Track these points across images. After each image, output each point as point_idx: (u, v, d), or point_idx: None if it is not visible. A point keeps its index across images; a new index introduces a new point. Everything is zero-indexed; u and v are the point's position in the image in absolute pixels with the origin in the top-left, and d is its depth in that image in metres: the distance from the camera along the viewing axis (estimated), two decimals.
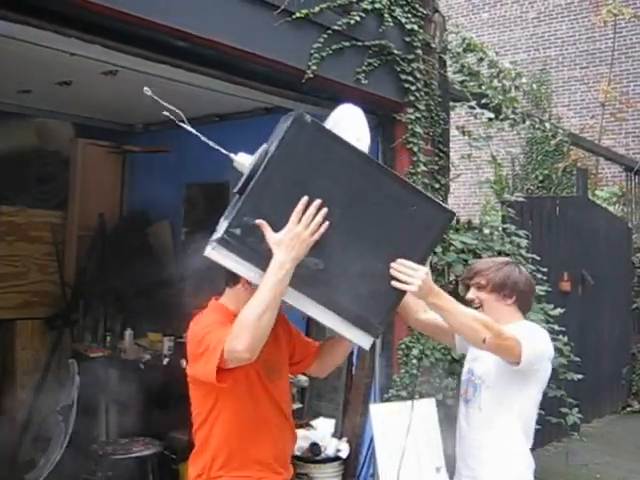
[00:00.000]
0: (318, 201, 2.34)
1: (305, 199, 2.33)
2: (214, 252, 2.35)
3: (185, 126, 2.53)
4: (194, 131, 2.51)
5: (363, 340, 2.47)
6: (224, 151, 2.48)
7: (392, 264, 2.41)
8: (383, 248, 2.43)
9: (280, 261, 2.29)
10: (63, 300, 6.62)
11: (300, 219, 2.33)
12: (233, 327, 2.34)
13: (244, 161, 2.44)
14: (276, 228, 2.32)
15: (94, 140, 6.82)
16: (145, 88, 2.68)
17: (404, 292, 2.47)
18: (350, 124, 2.57)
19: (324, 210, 2.34)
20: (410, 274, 2.42)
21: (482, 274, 3.05)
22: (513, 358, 2.83)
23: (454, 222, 6.08)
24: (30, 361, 6.49)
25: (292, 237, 2.31)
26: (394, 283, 2.42)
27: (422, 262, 2.49)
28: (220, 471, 2.60)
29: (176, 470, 5.58)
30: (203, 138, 2.52)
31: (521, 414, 2.99)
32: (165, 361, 5.69)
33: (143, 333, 6.16)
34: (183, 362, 5.35)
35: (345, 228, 2.39)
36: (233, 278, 2.57)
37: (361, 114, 2.67)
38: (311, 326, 5.40)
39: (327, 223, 2.35)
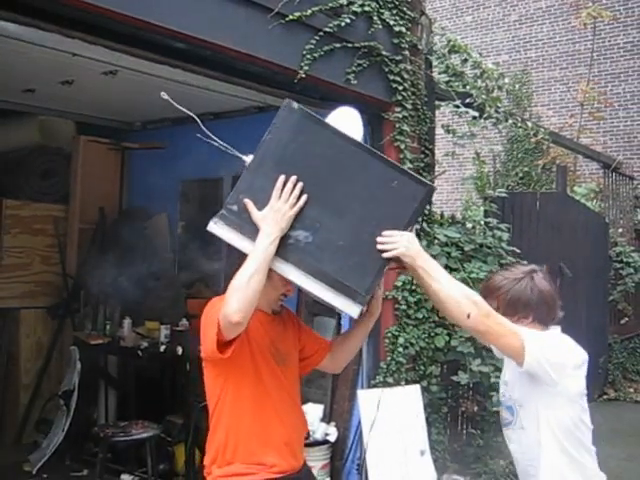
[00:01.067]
0: (294, 177, 2.46)
1: (282, 177, 2.46)
2: (215, 226, 2.50)
3: (201, 127, 2.63)
4: (207, 132, 2.63)
5: (351, 308, 2.50)
6: (236, 152, 2.61)
7: (378, 238, 2.47)
8: (367, 222, 2.51)
9: (267, 232, 2.42)
10: (65, 290, 6.72)
11: (280, 195, 2.47)
12: (225, 295, 2.42)
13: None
14: (266, 205, 2.46)
15: (95, 137, 6.92)
16: (162, 93, 2.81)
17: (388, 261, 2.53)
18: (342, 124, 2.66)
19: (300, 184, 2.46)
20: (395, 240, 2.46)
21: (494, 296, 2.87)
22: (516, 356, 2.68)
23: (438, 217, 6.25)
24: (33, 348, 6.61)
25: (274, 212, 2.43)
26: (383, 253, 2.47)
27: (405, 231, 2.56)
28: (232, 457, 2.64)
29: (172, 452, 5.71)
30: (216, 140, 2.64)
31: (559, 429, 2.78)
32: (162, 348, 5.72)
33: (141, 322, 6.22)
34: (179, 349, 5.54)
35: (332, 204, 2.52)
36: (239, 263, 2.55)
37: (354, 114, 2.79)
38: (300, 310, 5.57)
39: (305, 197, 2.47)
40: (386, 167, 2.56)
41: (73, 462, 6.01)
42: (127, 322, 6.12)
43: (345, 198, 2.53)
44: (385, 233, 2.48)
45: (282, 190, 2.47)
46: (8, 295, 6.49)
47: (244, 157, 2.58)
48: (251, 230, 2.48)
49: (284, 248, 2.48)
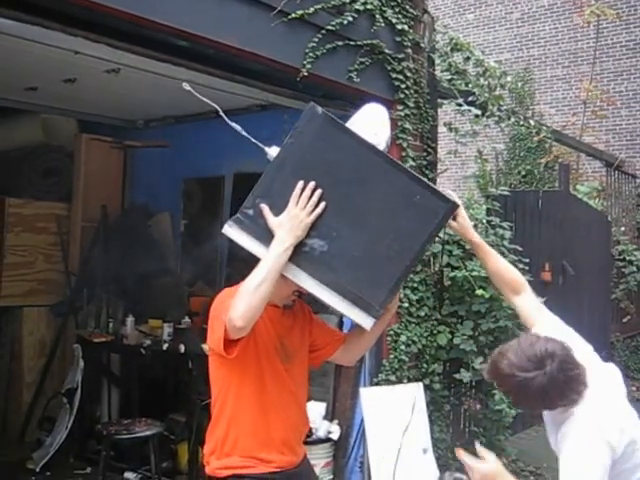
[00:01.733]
0: (312, 183, 2.43)
1: (301, 183, 2.43)
2: (230, 230, 2.49)
3: (225, 119, 2.65)
4: (233, 124, 2.64)
5: (364, 320, 2.49)
6: (259, 144, 2.61)
7: None
8: (385, 234, 2.47)
9: (281, 239, 2.40)
10: (68, 288, 6.73)
11: (297, 202, 2.44)
12: (234, 297, 2.43)
13: (274, 153, 2.57)
14: (283, 210, 2.43)
15: (97, 135, 6.91)
16: (184, 84, 2.84)
17: (404, 277, 2.57)
18: (370, 119, 2.65)
19: (318, 192, 2.43)
20: None
21: (501, 386, 2.62)
22: None
23: None
24: (36, 346, 6.61)
25: (290, 218, 2.42)
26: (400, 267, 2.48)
27: (423, 249, 2.57)
28: (231, 450, 2.66)
29: (175, 450, 5.74)
30: (240, 130, 2.64)
31: None
32: (165, 346, 5.71)
33: (144, 320, 6.19)
34: (182, 347, 5.54)
35: (350, 214, 2.47)
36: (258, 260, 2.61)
37: (383, 111, 2.74)
38: None
39: (323, 204, 2.43)
40: (409, 180, 2.52)
41: (76, 460, 6.02)
42: (130, 320, 6.09)
43: (364, 209, 2.50)
44: None
45: (300, 197, 2.44)
46: (11, 293, 6.50)
47: (267, 149, 2.57)
48: (266, 236, 2.46)
49: (299, 256, 2.46)
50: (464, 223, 2.75)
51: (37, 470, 5.77)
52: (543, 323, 2.77)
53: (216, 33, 4.08)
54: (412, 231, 2.50)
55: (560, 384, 2.42)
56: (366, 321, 2.50)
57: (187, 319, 6.09)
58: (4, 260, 6.45)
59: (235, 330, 2.41)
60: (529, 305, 2.89)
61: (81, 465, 5.94)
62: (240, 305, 2.37)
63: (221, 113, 2.70)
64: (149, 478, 5.32)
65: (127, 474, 5.66)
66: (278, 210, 2.45)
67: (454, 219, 2.71)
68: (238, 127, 2.66)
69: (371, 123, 2.62)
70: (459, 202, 2.65)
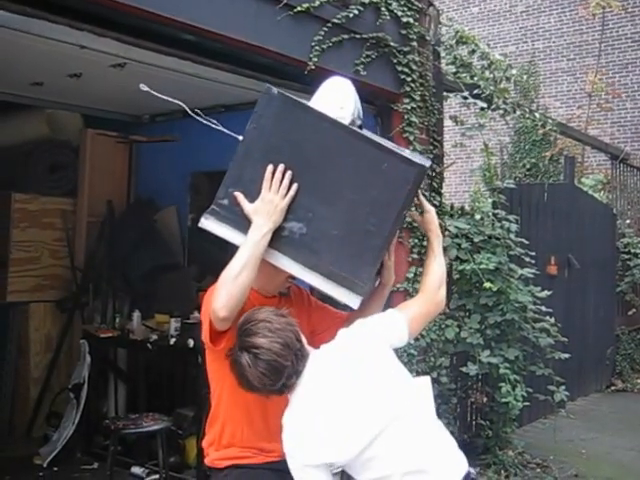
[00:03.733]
0: (281, 166, 2.40)
1: (271, 167, 2.40)
2: (207, 222, 2.49)
3: (186, 108, 2.69)
4: (207, 120, 2.63)
5: (350, 299, 2.46)
6: (231, 134, 2.57)
7: None
8: (360, 208, 2.43)
9: (259, 225, 2.38)
10: (74, 283, 6.70)
11: (270, 186, 2.41)
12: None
13: None
14: (257, 197, 2.41)
15: (103, 130, 6.89)
16: (141, 85, 2.85)
17: (384, 249, 2.53)
18: (334, 94, 2.57)
19: (289, 173, 2.40)
20: None
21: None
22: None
23: (448, 208, 6.26)
24: (43, 342, 6.61)
25: (265, 204, 2.39)
26: (379, 239, 2.46)
27: (399, 218, 2.51)
28: (229, 441, 2.63)
29: (183, 445, 5.73)
30: (216, 125, 2.63)
31: None
32: (171, 341, 5.69)
33: (150, 314, 6.19)
34: (191, 342, 5.53)
35: (322, 192, 2.45)
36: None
37: (347, 83, 2.65)
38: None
39: (295, 185, 2.41)
40: (373, 149, 2.46)
41: (84, 455, 6.02)
42: (136, 315, 6.08)
43: (335, 185, 2.46)
44: None
45: (272, 181, 2.42)
46: (17, 289, 6.49)
47: (240, 137, 2.52)
48: (245, 224, 2.42)
49: (279, 241, 2.44)
50: (428, 217, 2.71)
51: (44, 465, 5.77)
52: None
53: (222, 27, 4.08)
54: (386, 201, 2.44)
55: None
56: (352, 299, 2.47)
57: (196, 314, 6.06)
58: (10, 256, 6.43)
59: (219, 321, 2.38)
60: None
61: (88, 460, 5.95)
62: (221, 296, 2.34)
63: (187, 109, 2.72)
64: (157, 473, 5.31)
65: (134, 469, 5.66)
66: (252, 197, 2.43)
67: (421, 214, 2.70)
68: (213, 122, 2.65)
69: (336, 97, 2.54)
70: (428, 164, 2.60)
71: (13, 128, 6.59)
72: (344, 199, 2.45)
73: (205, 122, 2.66)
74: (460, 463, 2.45)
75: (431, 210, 2.71)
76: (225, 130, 2.62)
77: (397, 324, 2.51)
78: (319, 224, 2.44)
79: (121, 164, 7.12)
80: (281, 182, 2.42)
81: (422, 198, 2.70)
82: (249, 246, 2.38)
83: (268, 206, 2.40)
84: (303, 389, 2.38)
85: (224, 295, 2.34)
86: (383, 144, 2.52)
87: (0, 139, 6.54)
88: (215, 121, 2.67)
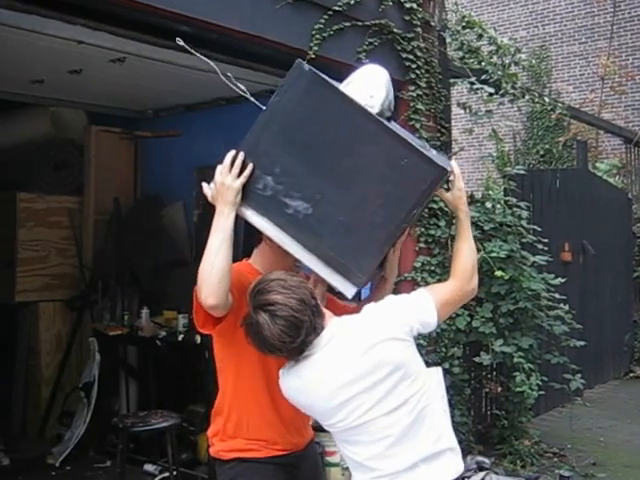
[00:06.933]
0: (232, 151, 2.39)
1: (233, 152, 2.39)
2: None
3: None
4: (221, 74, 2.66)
5: (346, 287, 2.44)
6: (256, 103, 2.59)
7: None
8: (372, 199, 2.41)
9: (218, 210, 2.39)
10: (82, 282, 6.69)
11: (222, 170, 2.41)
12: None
13: None
14: (269, 170, 2.40)
15: (107, 127, 6.87)
16: (177, 39, 2.83)
17: (388, 244, 2.50)
18: (367, 81, 2.52)
19: (241, 154, 2.38)
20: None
21: None
22: None
23: None
24: (53, 341, 6.60)
25: (218, 187, 2.39)
26: (384, 233, 2.43)
27: (409, 216, 2.45)
28: (234, 432, 2.61)
29: (194, 441, 5.71)
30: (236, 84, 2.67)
31: None
32: (180, 337, 5.70)
33: (159, 311, 6.19)
34: (198, 338, 5.50)
35: (336, 176, 2.42)
36: (257, 237, 2.63)
37: (382, 73, 2.61)
38: None
39: (251, 166, 2.39)
40: (396, 143, 2.40)
41: (96, 454, 6.03)
42: (145, 312, 6.08)
43: (351, 171, 2.42)
44: None
45: (229, 166, 2.39)
46: (26, 289, 6.48)
47: (264, 108, 2.49)
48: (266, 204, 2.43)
49: (282, 218, 2.42)
50: (458, 194, 2.63)
51: (57, 465, 5.78)
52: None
53: (218, 17, 4.05)
54: (399, 197, 2.41)
55: None
56: (348, 288, 2.44)
57: None
58: (18, 255, 6.42)
59: (212, 310, 2.38)
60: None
61: (101, 459, 5.95)
62: (203, 286, 2.33)
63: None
64: (168, 469, 5.28)
65: (147, 466, 5.65)
66: (262, 170, 2.41)
67: (447, 190, 2.62)
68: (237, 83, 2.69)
69: (368, 84, 2.50)
70: (451, 169, 2.52)
71: (16, 127, 6.59)
72: (357, 187, 2.41)
73: (241, 92, 2.67)
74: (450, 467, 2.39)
75: (462, 188, 2.64)
76: (253, 99, 2.65)
77: (428, 309, 2.45)
78: (326, 207, 2.41)
79: (126, 160, 7.08)
80: (232, 164, 2.39)
81: (458, 174, 2.61)
82: (216, 231, 2.38)
83: (221, 189, 2.39)
84: (319, 354, 2.34)
85: (206, 285, 2.32)
86: (408, 140, 2.46)
87: (3, 139, 6.54)
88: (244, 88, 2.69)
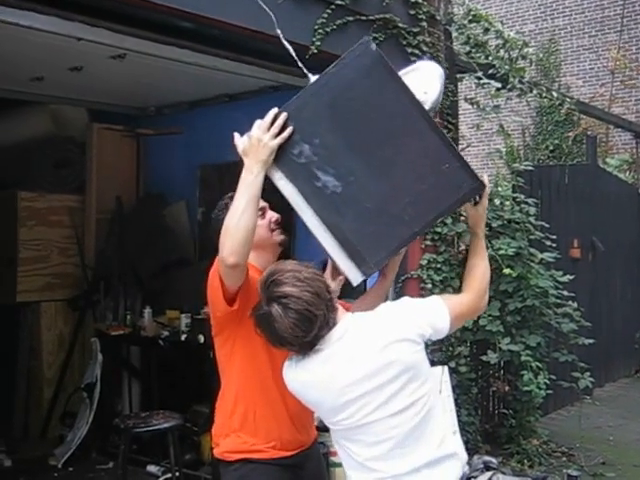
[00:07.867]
0: (275, 109, 2.35)
1: (275, 109, 2.35)
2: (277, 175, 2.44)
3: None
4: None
5: (353, 274, 2.42)
6: (303, 67, 2.72)
7: None
8: (402, 195, 2.40)
9: (247, 166, 2.35)
10: (84, 281, 6.66)
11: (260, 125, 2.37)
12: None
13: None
14: (308, 139, 2.37)
15: (108, 124, 6.81)
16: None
17: (407, 242, 2.49)
18: (423, 76, 2.55)
19: (284, 114, 2.34)
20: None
21: None
22: None
23: None
24: (55, 341, 6.57)
25: (252, 142, 2.35)
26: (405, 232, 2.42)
27: (435, 221, 2.53)
28: (240, 425, 2.59)
29: (198, 441, 5.68)
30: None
31: None
32: (183, 337, 5.70)
33: (161, 311, 6.16)
34: (201, 337, 5.46)
35: (374, 162, 2.40)
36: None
37: (439, 72, 2.64)
38: None
39: (290, 128, 2.35)
40: (443, 146, 2.41)
41: (99, 455, 6.00)
42: (147, 312, 6.07)
43: (390, 162, 2.41)
44: None
45: (270, 123, 2.35)
46: (27, 289, 6.44)
47: (310, 74, 2.51)
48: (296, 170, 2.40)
49: (310, 189, 2.39)
50: (482, 213, 2.62)
51: (59, 466, 5.77)
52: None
53: (220, 12, 4.02)
54: (431, 199, 2.40)
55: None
56: (356, 276, 2.42)
57: (206, 309, 5.99)
58: (19, 255, 6.38)
59: (228, 271, 2.35)
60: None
61: (103, 460, 5.92)
62: (226, 242, 2.31)
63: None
64: (171, 470, 5.24)
65: (150, 467, 5.64)
66: (301, 136, 2.37)
67: (475, 204, 2.59)
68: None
69: (423, 80, 2.50)
70: (487, 184, 2.52)
71: (16, 125, 6.55)
72: (391, 179, 2.41)
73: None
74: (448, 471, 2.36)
75: (486, 207, 2.64)
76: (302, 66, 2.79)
77: (443, 317, 2.39)
78: (356, 190, 2.39)
79: (128, 158, 7.04)
80: (272, 122, 2.35)
81: (486, 192, 2.58)
82: (243, 189, 2.35)
83: (256, 144, 2.35)
84: (331, 349, 2.28)
85: (229, 241, 2.30)
86: (453, 145, 2.48)
87: (4, 137, 6.50)
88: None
